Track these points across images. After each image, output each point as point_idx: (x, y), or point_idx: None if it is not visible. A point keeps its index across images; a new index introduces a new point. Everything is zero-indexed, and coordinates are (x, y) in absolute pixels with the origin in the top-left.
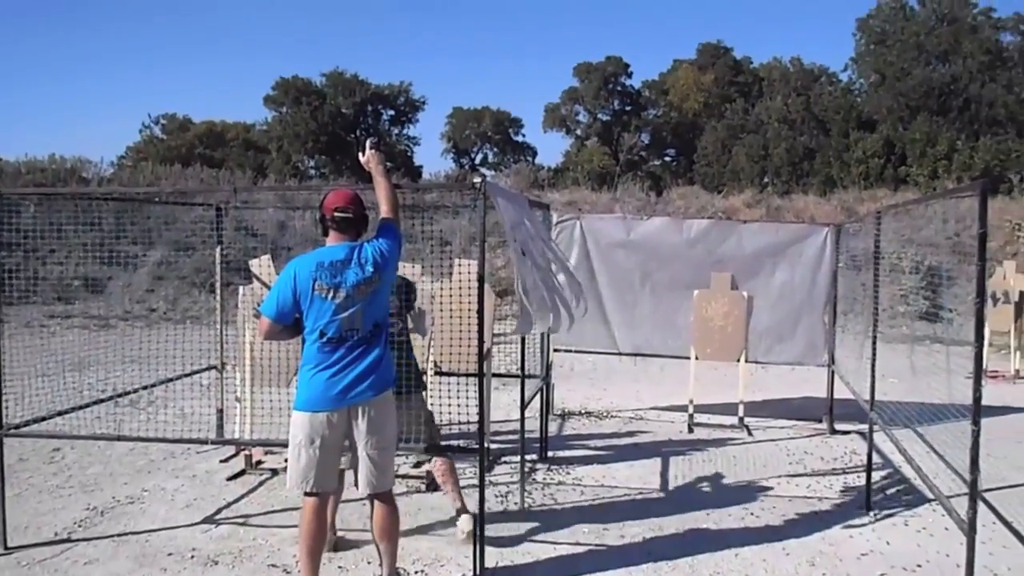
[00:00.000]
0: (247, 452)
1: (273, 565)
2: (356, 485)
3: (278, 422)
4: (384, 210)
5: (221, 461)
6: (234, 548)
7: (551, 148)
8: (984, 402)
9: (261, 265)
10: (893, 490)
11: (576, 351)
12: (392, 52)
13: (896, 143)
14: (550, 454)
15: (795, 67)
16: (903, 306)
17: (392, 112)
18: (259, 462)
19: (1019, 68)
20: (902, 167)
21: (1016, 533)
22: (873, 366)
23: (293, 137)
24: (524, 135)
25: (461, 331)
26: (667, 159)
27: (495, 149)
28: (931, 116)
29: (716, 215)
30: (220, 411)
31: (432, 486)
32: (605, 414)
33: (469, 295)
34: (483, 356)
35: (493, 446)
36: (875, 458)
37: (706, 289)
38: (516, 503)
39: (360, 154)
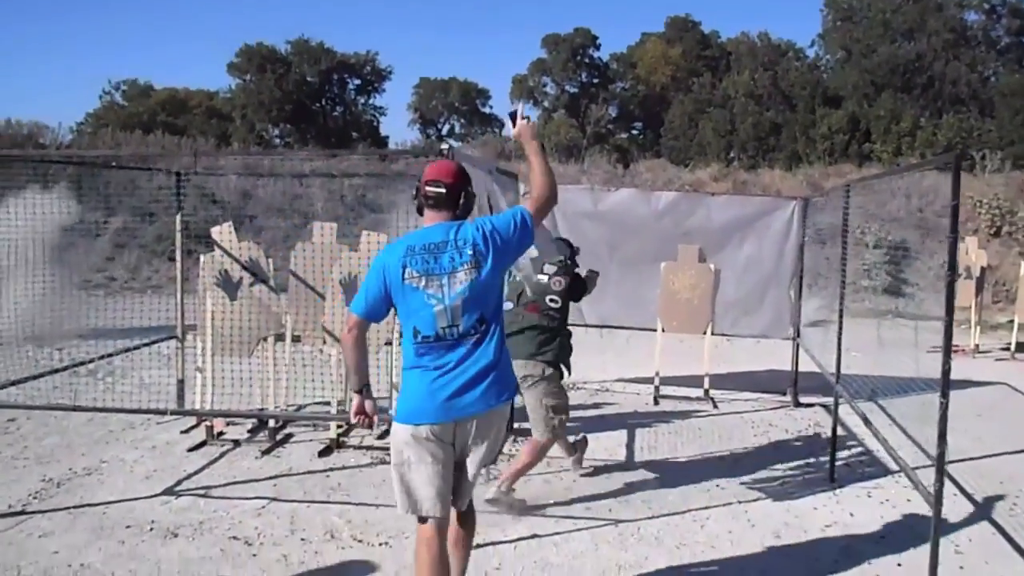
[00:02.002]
0: (208, 423)
1: (234, 537)
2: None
3: (240, 392)
4: (533, 196)
5: (182, 432)
6: (194, 520)
7: None
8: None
9: (223, 233)
10: (857, 462)
11: None
12: (358, 21)
13: (861, 119)
14: (515, 426)
15: (763, 42)
16: (866, 280)
17: (358, 81)
18: (220, 433)
19: (982, 47)
20: (866, 143)
21: (977, 504)
22: (840, 339)
23: (257, 105)
24: (491, 106)
25: None
26: (634, 132)
27: (462, 120)
28: (896, 93)
29: (683, 188)
30: (181, 381)
31: None
32: (571, 386)
33: None
34: None
35: None
36: (839, 431)
37: (673, 261)
38: (482, 475)
39: (511, 124)
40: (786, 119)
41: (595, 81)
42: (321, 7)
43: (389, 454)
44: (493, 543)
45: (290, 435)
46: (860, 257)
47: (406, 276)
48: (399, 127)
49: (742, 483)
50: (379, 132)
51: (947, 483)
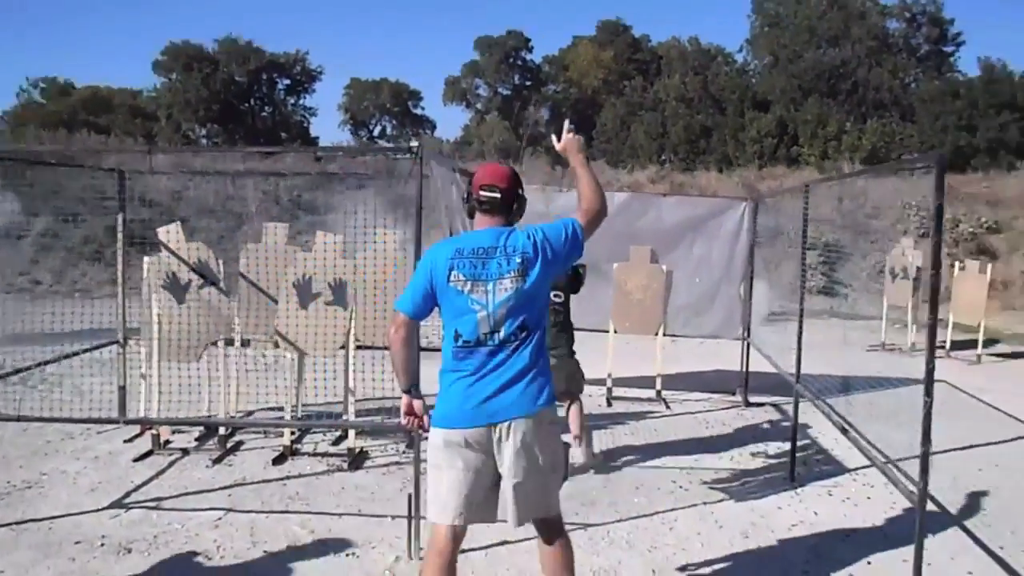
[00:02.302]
0: (154, 431)
1: (193, 552)
2: (507, 518)
3: (187, 399)
4: (583, 209)
5: (125, 441)
6: (147, 534)
7: (451, 122)
8: (886, 374)
9: (170, 233)
10: (813, 460)
11: None
12: (288, 20)
13: (789, 123)
14: None
15: (693, 47)
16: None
17: (288, 81)
18: (167, 442)
19: (903, 54)
20: (794, 147)
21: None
22: (799, 339)
23: (184, 105)
24: (423, 108)
25: (386, 303)
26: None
27: (393, 121)
28: (822, 98)
29: (622, 190)
30: (123, 388)
31: (355, 464)
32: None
33: (386, 266)
34: None
35: None
36: (789, 430)
37: (626, 262)
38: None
39: (555, 141)
40: (716, 122)
41: (528, 84)
42: (250, 6)
43: (345, 461)
44: (462, 551)
45: (240, 442)
46: (797, 258)
47: (452, 279)
48: (330, 128)
49: (704, 483)
50: (309, 133)
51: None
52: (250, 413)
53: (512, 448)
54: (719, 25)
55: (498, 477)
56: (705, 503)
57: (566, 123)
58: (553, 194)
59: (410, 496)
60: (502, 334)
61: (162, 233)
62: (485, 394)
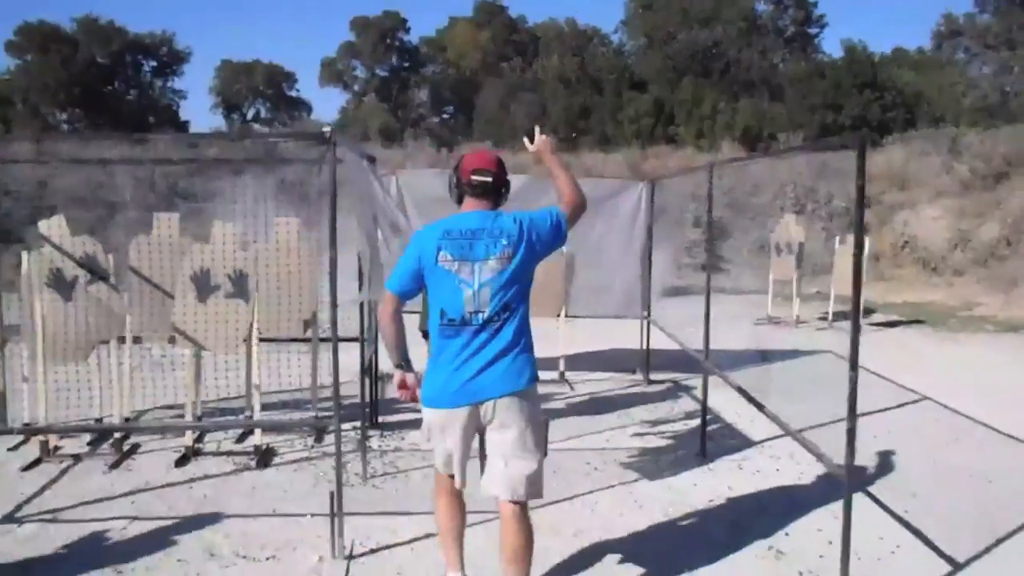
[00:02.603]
0: (43, 437)
1: (100, 565)
2: (485, 489)
3: (76, 402)
4: (565, 203)
5: (9, 450)
6: (47, 549)
7: (327, 104)
8: (775, 347)
9: (52, 227)
10: (719, 435)
11: None
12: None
13: (665, 103)
14: (379, 419)
15: (570, 27)
16: (687, 258)
17: (154, 63)
18: (56, 448)
19: (771, 35)
20: (671, 126)
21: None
22: (707, 316)
23: (41, 88)
24: (298, 90)
25: (289, 294)
26: (445, 116)
27: (268, 104)
28: (696, 78)
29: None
30: (2, 394)
31: (263, 461)
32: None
33: (289, 256)
34: (311, 321)
35: (322, 414)
36: (693, 406)
37: None
38: (358, 473)
39: (528, 144)
40: (595, 103)
41: (406, 65)
42: None
43: (252, 459)
44: (387, 547)
45: (137, 445)
46: (682, 236)
47: (440, 259)
48: (200, 111)
49: (619, 463)
50: (179, 117)
51: (803, 452)
52: (143, 413)
53: (498, 425)
54: (594, 6)
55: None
56: (622, 483)
57: (536, 128)
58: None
59: (332, 494)
60: (486, 313)
61: (43, 227)
62: (469, 374)
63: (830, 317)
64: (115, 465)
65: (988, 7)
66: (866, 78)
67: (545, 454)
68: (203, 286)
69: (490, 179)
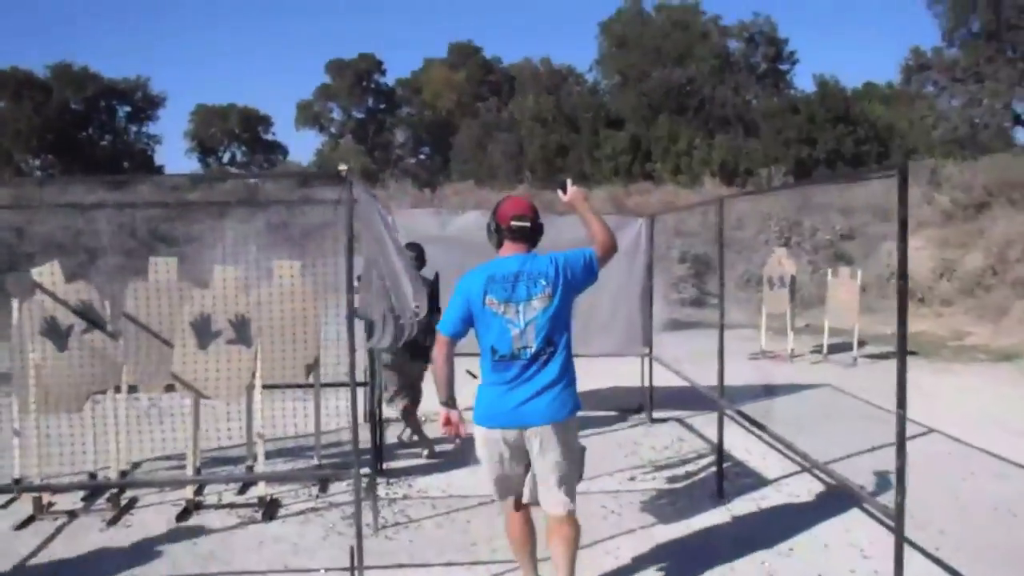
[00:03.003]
0: (36, 494)
1: None
2: (525, 496)
3: (69, 455)
4: (598, 244)
5: None
6: None
7: (303, 147)
8: (775, 381)
9: (43, 274)
10: (732, 474)
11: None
12: (127, 45)
13: (642, 140)
14: (383, 466)
15: (545, 67)
16: (674, 293)
17: (128, 108)
18: (50, 504)
19: (744, 72)
20: (648, 163)
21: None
22: (721, 352)
23: (14, 135)
24: (274, 133)
25: (293, 339)
26: (422, 157)
27: (244, 148)
28: (671, 115)
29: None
30: None
31: (268, 513)
32: (423, 419)
33: (293, 300)
34: (313, 366)
35: (324, 461)
36: (700, 444)
37: None
38: (368, 524)
39: (561, 195)
40: (572, 141)
41: (382, 106)
42: (85, 30)
43: (256, 511)
44: None
45: (135, 499)
46: (669, 271)
47: (487, 302)
48: (175, 156)
49: (635, 506)
50: (153, 161)
51: (821, 488)
52: (138, 464)
53: (540, 449)
54: (568, 46)
55: (528, 465)
56: (642, 527)
57: (568, 180)
58: (448, 217)
59: (352, 548)
60: (533, 348)
61: (36, 273)
62: (519, 400)
63: (825, 350)
64: (113, 521)
65: (955, 41)
66: (839, 112)
67: (581, 477)
68: (204, 332)
69: (528, 224)
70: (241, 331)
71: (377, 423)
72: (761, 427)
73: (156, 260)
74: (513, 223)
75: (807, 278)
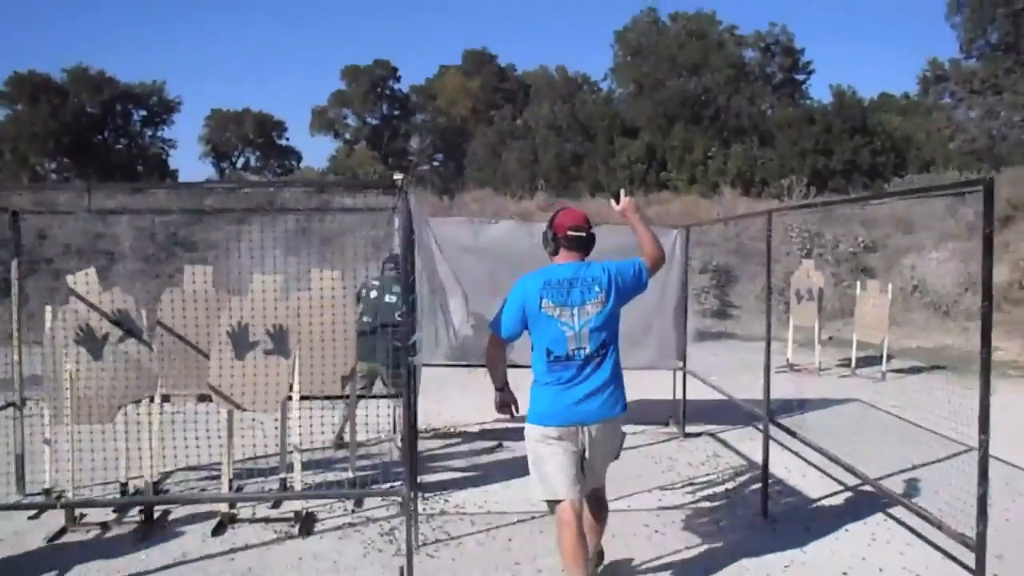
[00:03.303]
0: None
1: None
2: None
3: (101, 465)
4: (647, 255)
5: (30, 518)
6: None
7: (317, 152)
8: (805, 395)
9: (78, 282)
10: (775, 492)
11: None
12: (144, 49)
13: (657, 149)
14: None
15: (560, 75)
16: (696, 304)
17: (144, 112)
18: (82, 515)
19: (760, 82)
20: (663, 172)
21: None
22: (767, 368)
23: (30, 137)
24: (288, 138)
25: (334, 349)
26: (435, 164)
27: (257, 153)
28: (687, 125)
29: (513, 218)
30: (20, 456)
31: (305, 528)
32: (452, 430)
33: (332, 309)
34: (349, 376)
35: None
36: (736, 460)
37: None
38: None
39: (614, 204)
40: (586, 149)
41: (396, 113)
42: (102, 34)
43: (292, 525)
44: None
45: (167, 511)
46: (691, 282)
47: (543, 306)
48: (190, 160)
49: (677, 525)
50: (168, 165)
51: (870, 509)
52: (168, 474)
53: (591, 441)
54: (583, 54)
55: (583, 459)
56: (687, 548)
57: (621, 190)
58: (481, 226)
59: (401, 569)
60: (588, 350)
61: (71, 281)
62: (575, 399)
63: (853, 364)
64: (147, 535)
65: (973, 53)
66: (855, 123)
67: (617, 457)
68: (241, 342)
69: (584, 234)
70: (279, 341)
71: (414, 437)
72: (820, 450)
73: (191, 268)
74: (570, 232)
75: (830, 291)
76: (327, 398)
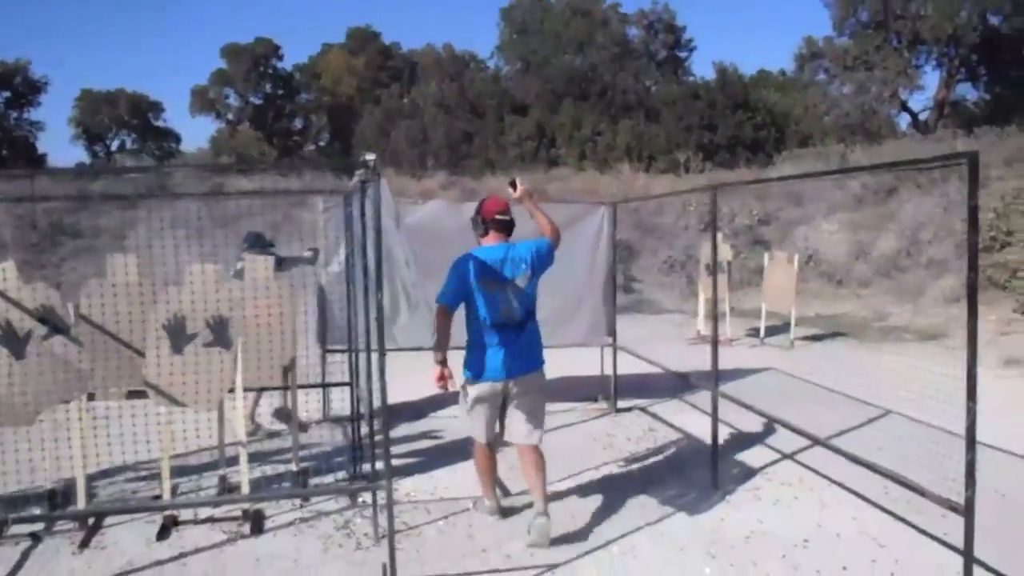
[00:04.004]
0: None
1: None
2: (509, 439)
3: (26, 469)
4: (547, 234)
5: None
6: None
7: (197, 134)
8: (723, 366)
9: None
10: (719, 464)
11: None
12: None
13: (546, 127)
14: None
15: (447, 53)
16: None
17: (8, 94)
18: (4, 522)
19: (644, 59)
20: (552, 149)
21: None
22: (715, 341)
23: None
24: (165, 120)
25: (270, 339)
26: (321, 144)
27: (133, 135)
28: (575, 102)
29: (416, 199)
30: None
31: (256, 527)
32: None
33: (268, 298)
34: (289, 367)
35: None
36: (672, 433)
37: None
38: (367, 533)
39: (512, 191)
40: (476, 128)
41: (280, 92)
42: None
43: (240, 524)
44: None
45: (102, 516)
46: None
47: (481, 280)
48: (60, 143)
49: (634, 503)
50: (36, 150)
51: (813, 477)
52: (106, 473)
53: (522, 390)
54: (468, 32)
55: (504, 410)
56: (648, 524)
57: (517, 179)
58: (408, 207)
59: (384, 566)
60: (517, 318)
61: None
62: (509, 357)
63: (762, 333)
64: (85, 543)
65: (845, 31)
66: (738, 99)
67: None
68: (178, 335)
69: (509, 218)
70: (219, 333)
71: (357, 424)
72: (779, 421)
73: (113, 258)
74: (497, 217)
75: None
76: (263, 389)
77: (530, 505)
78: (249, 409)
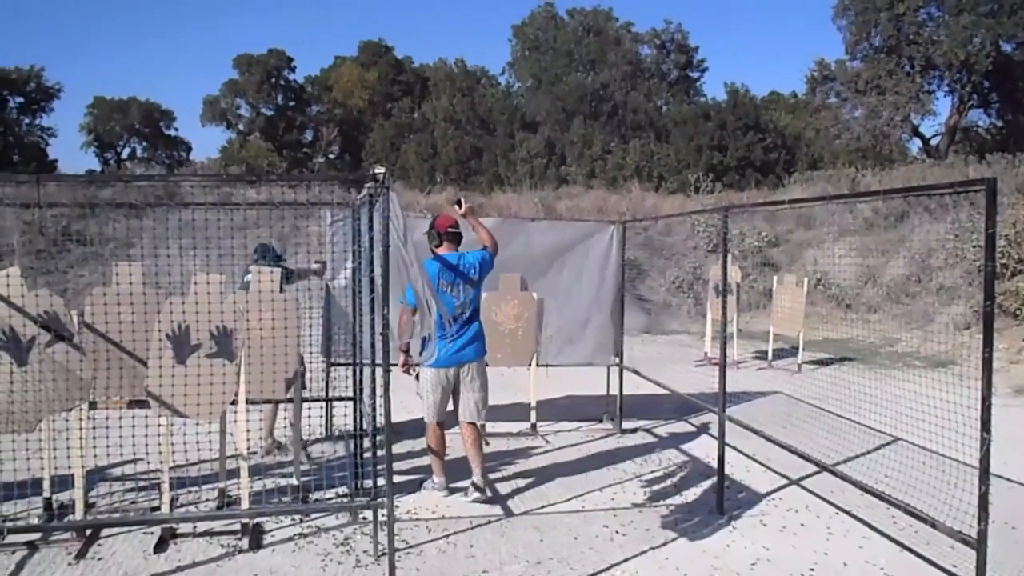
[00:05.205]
0: None
1: None
2: (460, 415)
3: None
4: (488, 245)
5: None
6: None
7: (208, 143)
8: (728, 389)
9: (5, 280)
10: (724, 488)
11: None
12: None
13: (556, 144)
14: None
15: (459, 68)
16: None
17: (21, 99)
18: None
19: (655, 79)
20: (563, 166)
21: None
22: (723, 365)
23: None
24: (177, 128)
25: (274, 352)
26: (330, 156)
27: (144, 143)
28: (585, 120)
29: (424, 213)
30: None
31: (255, 541)
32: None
33: (273, 310)
34: (293, 380)
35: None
36: (678, 455)
37: (495, 291)
38: (367, 551)
39: (458, 208)
40: (486, 143)
41: (291, 104)
42: None
43: (238, 537)
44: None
45: (99, 527)
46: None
47: (439, 283)
48: (71, 150)
49: (637, 526)
50: (47, 156)
51: (821, 504)
52: (104, 478)
53: (468, 377)
54: (480, 48)
55: (454, 394)
56: (652, 548)
57: (461, 198)
58: (416, 222)
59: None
60: (466, 314)
61: None
62: (459, 347)
63: (770, 356)
64: (81, 554)
65: (858, 54)
66: (749, 120)
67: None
68: (181, 345)
69: (458, 230)
70: (223, 344)
71: (360, 440)
72: (787, 447)
73: (119, 265)
74: (449, 230)
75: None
76: (267, 402)
77: (534, 524)
78: (268, 426)
